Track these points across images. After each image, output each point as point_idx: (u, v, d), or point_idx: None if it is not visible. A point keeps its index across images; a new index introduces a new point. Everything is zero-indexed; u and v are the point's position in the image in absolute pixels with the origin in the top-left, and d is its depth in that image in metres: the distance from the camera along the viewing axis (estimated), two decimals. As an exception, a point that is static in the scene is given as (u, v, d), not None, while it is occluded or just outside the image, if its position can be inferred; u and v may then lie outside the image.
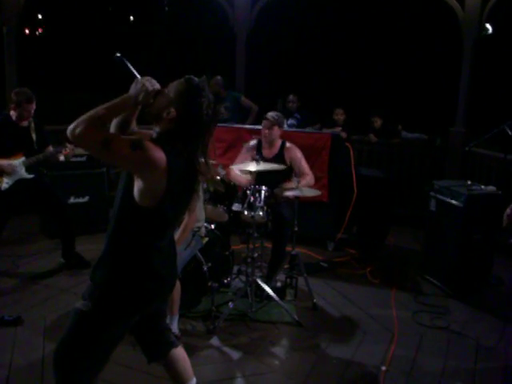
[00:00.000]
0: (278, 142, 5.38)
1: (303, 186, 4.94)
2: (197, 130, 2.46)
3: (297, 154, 5.34)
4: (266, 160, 5.05)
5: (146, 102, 2.45)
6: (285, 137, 5.49)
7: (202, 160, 2.52)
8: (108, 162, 2.38)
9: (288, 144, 5.40)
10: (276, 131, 5.29)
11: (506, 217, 4.13)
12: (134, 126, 2.67)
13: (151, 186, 2.34)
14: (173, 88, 2.48)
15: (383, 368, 3.99)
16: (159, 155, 2.31)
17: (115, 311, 2.47)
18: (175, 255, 2.78)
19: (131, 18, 34.96)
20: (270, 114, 5.30)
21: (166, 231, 2.58)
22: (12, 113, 5.21)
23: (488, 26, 7.54)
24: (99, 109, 2.32)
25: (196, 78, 2.49)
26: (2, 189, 5.14)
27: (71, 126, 2.24)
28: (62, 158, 5.41)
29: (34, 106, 5.22)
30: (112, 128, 2.60)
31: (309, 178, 5.27)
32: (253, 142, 5.52)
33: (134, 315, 2.56)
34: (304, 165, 5.35)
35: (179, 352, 2.95)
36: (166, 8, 28.40)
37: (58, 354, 2.53)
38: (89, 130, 2.24)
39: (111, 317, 2.48)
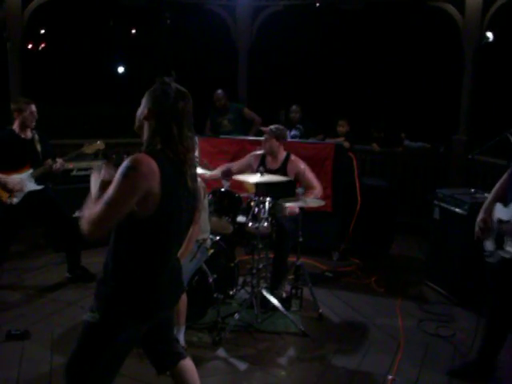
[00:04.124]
0: (282, 155, 5.39)
1: (310, 199, 4.96)
2: (170, 118, 2.45)
3: (300, 167, 5.33)
4: (269, 172, 5.07)
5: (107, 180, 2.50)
6: (288, 148, 5.51)
7: (183, 149, 2.49)
8: (126, 210, 2.37)
9: (292, 157, 5.40)
10: (274, 143, 5.31)
11: (479, 230, 4.04)
12: None
13: (150, 194, 2.34)
14: (144, 96, 2.55)
15: (390, 377, 4.00)
16: (148, 161, 2.34)
17: (122, 322, 2.49)
18: (180, 267, 2.79)
19: (133, 31, 35.14)
20: (269, 127, 5.34)
21: (168, 240, 2.56)
22: (15, 125, 5.27)
23: (489, 34, 7.58)
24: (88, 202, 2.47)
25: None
26: (14, 203, 5.18)
27: (83, 230, 2.37)
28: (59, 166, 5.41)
29: (34, 109, 5.26)
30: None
31: (316, 191, 5.22)
32: (259, 152, 5.54)
33: (141, 326, 2.58)
34: (309, 177, 5.32)
35: (187, 363, 2.97)
36: (168, 21, 28.56)
37: (69, 365, 2.55)
38: (89, 217, 2.34)
39: (119, 328, 2.49)
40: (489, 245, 3.96)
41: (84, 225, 2.35)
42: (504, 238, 3.79)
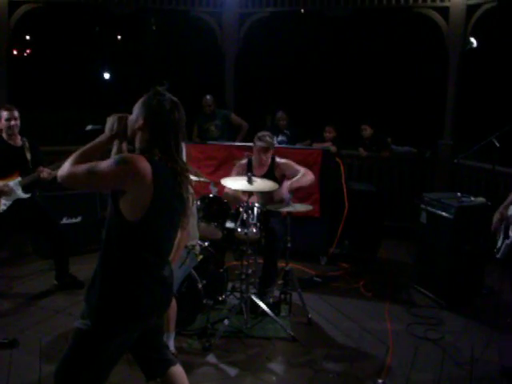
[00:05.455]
0: (269, 160, 5.42)
1: (305, 182, 5.04)
2: (166, 128, 2.51)
3: (285, 163, 5.41)
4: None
5: (121, 131, 2.59)
6: (275, 153, 5.53)
7: (180, 160, 2.56)
8: (99, 188, 2.49)
9: (277, 159, 5.44)
10: (270, 153, 5.36)
11: (495, 222, 4.20)
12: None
13: (138, 197, 2.39)
14: (137, 104, 2.59)
15: (379, 381, 4.01)
16: (144, 165, 2.39)
17: (113, 329, 2.50)
18: (171, 271, 2.79)
19: (119, 37, 35.05)
20: (266, 139, 5.29)
21: (157, 245, 2.59)
22: (3, 133, 5.24)
23: (472, 39, 7.67)
24: (80, 150, 2.55)
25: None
26: (1, 211, 5.16)
27: (59, 172, 2.47)
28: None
29: (15, 114, 5.22)
30: None
31: (303, 170, 5.31)
32: (244, 161, 5.55)
33: (132, 332, 2.58)
34: (295, 166, 5.39)
35: (177, 369, 2.97)
36: (154, 27, 28.52)
37: (59, 371, 2.56)
38: (74, 166, 2.45)
39: (110, 334, 2.50)
40: (499, 242, 4.10)
41: (63, 169, 2.48)
42: (510, 227, 3.93)
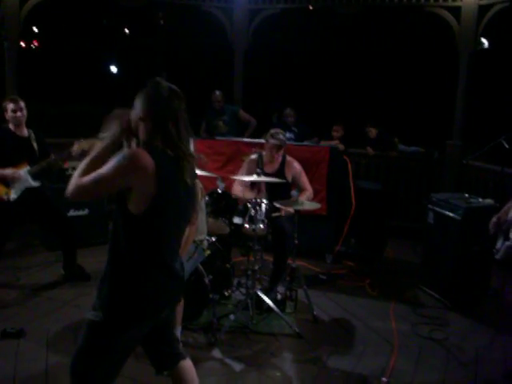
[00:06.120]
0: (280, 157, 5.43)
1: (306, 202, 5.02)
2: (166, 116, 2.49)
3: (297, 169, 5.45)
4: (267, 175, 5.10)
5: (125, 128, 2.56)
6: (284, 150, 5.54)
7: (183, 146, 2.53)
8: (110, 192, 2.45)
9: (288, 158, 5.47)
10: (282, 151, 5.40)
11: (492, 225, 4.20)
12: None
13: (142, 190, 2.39)
14: (137, 97, 2.58)
15: (384, 379, 4.02)
16: (144, 158, 2.39)
17: (124, 321, 2.51)
18: (182, 263, 2.78)
19: (126, 31, 35.03)
20: (280, 137, 5.32)
21: (165, 237, 2.57)
22: (10, 124, 5.28)
23: (484, 40, 7.65)
24: (85, 161, 2.51)
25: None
26: (11, 199, 5.19)
27: (68, 189, 2.44)
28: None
29: (21, 105, 5.25)
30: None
31: (308, 193, 5.38)
32: (253, 156, 5.56)
33: (143, 325, 2.59)
34: (304, 180, 5.46)
35: (187, 363, 2.97)
36: (161, 22, 28.51)
37: (74, 362, 2.58)
38: (80, 179, 2.44)
39: (121, 326, 2.51)
40: (499, 243, 4.09)
41: (71, 185, 2.44)
42: (511, 229, 3.92)
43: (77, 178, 2.44)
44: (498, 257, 4.13)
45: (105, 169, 2.40)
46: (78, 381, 2.59)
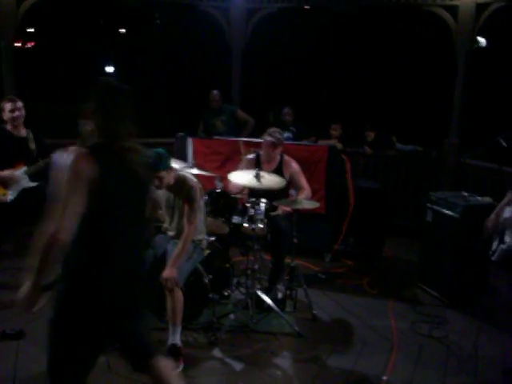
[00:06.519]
0: (277, 157, 5.43)
1: (305, 201, 5.01)
2: (112, 112, 2.54)
3: (295, 169, 5.43)
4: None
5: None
6: (282, 150, 5.54)
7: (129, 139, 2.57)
8: (87, 203, 2.41)
9: (286, 157, 5.46)
10: (279, 150, 5.37)
11: (491, 223, 4.19)
12: None
13: (88, 189, 2.39)
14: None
15: (384, 378, 4.04)
16: (84, 161, 2.40)
17: (71, 319, 2.52)
18: (143, 265, 2.78)
19: (123, 31, 35.01)
20: (276, 135, 5.32)
21: (114, 234, 2.55)
22: (8, 125, 5.27)
23: (481, 39, 7.66)
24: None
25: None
26: (8, 201, 5.18)
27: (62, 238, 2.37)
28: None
29: (18, 105, 5.24)
30: None
31: (306, 192, 5.36)
32: (252, 156, 5.56)
33: (97, 324, 2.55)
34: (302, 179, 5.44)
35: (162, 363, 2.88)
36: (158, 21, 28.50)
37: (47, 363, 2.61)
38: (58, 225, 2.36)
39: (67, 327, 2.53)
40: (494, 244, 4.08)
41: (62, 236, 2.36)
42: (506, 232, 3.91)
43: (58, 229, 2.36)
44: (494, 258, 4.14)
45: (64, 192, 2.39)
46: (49, 379, 2.62)
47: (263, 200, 4.89)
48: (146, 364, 2.84)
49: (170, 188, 4.32)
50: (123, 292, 2.60)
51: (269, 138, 5.29)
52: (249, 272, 4.88)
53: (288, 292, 5.20)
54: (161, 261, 4.35)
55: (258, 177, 4.75)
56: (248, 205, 4.86)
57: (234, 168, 5.74)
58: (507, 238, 3.94)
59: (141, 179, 2.60)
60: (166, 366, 2.94)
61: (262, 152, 5.43)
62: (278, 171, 5.33)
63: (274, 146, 5.30)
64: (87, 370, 2.66)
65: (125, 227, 2.59)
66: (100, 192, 2.41)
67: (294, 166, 5.46)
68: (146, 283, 2.80)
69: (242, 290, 5.21)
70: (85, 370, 2.65)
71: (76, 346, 2.55)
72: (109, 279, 2.54)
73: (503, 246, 3.95)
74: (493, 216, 4.20)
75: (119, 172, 2.51)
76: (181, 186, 4.31)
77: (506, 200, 4.19)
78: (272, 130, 5.37)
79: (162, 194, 4.44)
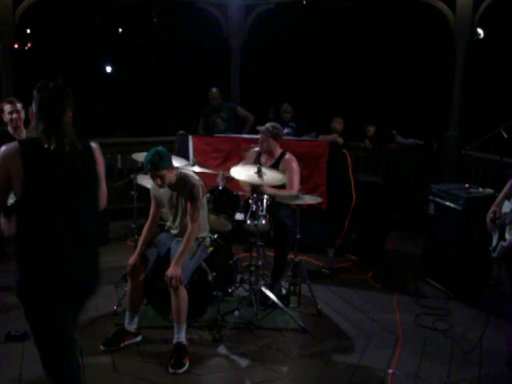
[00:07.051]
0: (278, 152, 5.40)
1: (278, 194, 5.00)
2: (46, 109, 2.76)
3: (292, 166, 5.30)
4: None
5: None
6: (282, 146, 5.52)
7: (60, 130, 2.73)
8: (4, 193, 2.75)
9: (288, 156, 5.39)
10: (271, 143, 5.31)
11: (489, 221, 4.15)
12: None
13: (15, 177, 2.62)
14: None
15: (390, 371, 4.04)
16: (9, 151, 2.62)
17: (24, 300, 2.76)
18: (92, 251, 2.93)
19: (120, 30, 34.93)
20: (265, 127, 5.32)
21: (46, 220, 2.69)
22: (9, 127, 5.27)
23: (479, 30, 7.65)
24: None
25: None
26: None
27: None
28: None
29: (17, 107, 5.24)
30: None
31: (291, 191, 5.13)
32: (256, 149, 5.54)
33: (47, 306, 2.75)
34: (294, 178, 5.23)
35: None
36: (155, 20, 28.44)
37: None
38: None
39: (29, 307, 2.78)
40: (494, 240, 4.06)
41: None
42: (506, 228, 3.88)
43: None
44: (495, 255, 4.11)
45: None
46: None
47: (266, 196, 4.88)
48: None
49: (172, 186, 4.33)
50: (55, 275, 2.74)
51: (261, 128, 5.29)
52: (252, 268, 4.89)
53: (292, 288, 5.21)
54: (165, 259, 4.36)
55: (259, 172, 4.72)
56: (250, 201, 4.86)
57: (236, 165, 5.72)
58: (507, 235, 3.89)
59: (70, 168, 2.71)
60: None
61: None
62: (275, 167, 5.26)
63: (262, 138, 5.26)
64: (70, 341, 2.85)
65: (54, 212, 2.71)
66: (24, 180, 2.60)
67: (293, 164, 5.33)
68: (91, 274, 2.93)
69: (246, 286, 5.22)
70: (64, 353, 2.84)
71: (48, 319, 2.78)
72: (43, 261, 2.72)
73: (504, 244, 3.90)
74: (493, 208, 4.17)
75: (44, 162, 2.66)
76: (183, 184, 4.31)
77: (505, 189, 4.17)
78: (269, 123, 5.36)
79: (164, 193, 4.44)
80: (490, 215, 4.14)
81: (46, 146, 2.65)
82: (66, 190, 2.72)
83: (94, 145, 2.90)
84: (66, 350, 2.83)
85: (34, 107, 2.82)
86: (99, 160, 2.90)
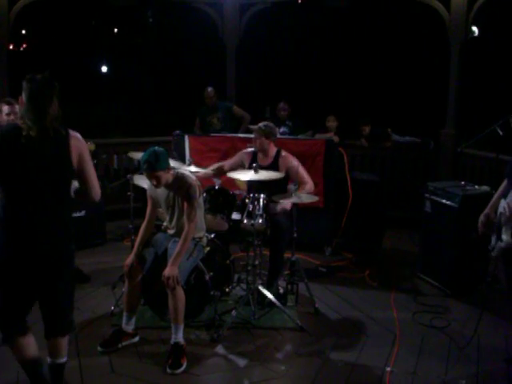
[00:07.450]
0: (273, 151, 5.40)
1: (301, 196, 4.98)
2: (26, 98, 3.03)
3: (293, 163, 5.34)
4: (261, 168, 5.08)
5: None
6: (279, 145, 5.53)
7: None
8: None
9: (283, 153, 5.42)
10: (264, 141, 5.31)
11: (480, 224, 4.15)
12: None
13: None
14: None
15: (388, 369, 4.05)
16: None
17: None
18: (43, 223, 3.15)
19: (115, 30, 34.89)
20: (258, 125, 5.34)
21: (14, 198, 3.03)
22: None
23: (474, 28, 7.66)
24: None
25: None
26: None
27: None
28: None
29: (15, 109, 5.20)
30: None
31: (308, 186, 5.28)
32: (250, 149, 5.55)
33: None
34: (302, 173, 5.33)
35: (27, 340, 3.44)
36: (150, 20, 28.44)
37: None
38: None
39: None
40: (493, 240, 4.05)
41: None
42: (502, 228, 3.87)
43: None
44: (493, 254, 4.11)
45: None
46: None
47: (262, 195, 4.89)
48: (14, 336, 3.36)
49: (168, 186, 4.32)
50: (10, 245, 3.07)
51: (254, 127, 5.31)
52: (249, 268, 4.89)
53: (289, 286, 5.21)
54: (162, 259, 4.36)
55: (256, 171, 4.74)
56: (247, 200, 4.86)
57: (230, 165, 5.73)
58: (504, 236, 3.88)
59: (46, 155, 3.00)
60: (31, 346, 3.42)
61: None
62: (274, 166, 5.28)
63: (259, 136, 5.27)
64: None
65: (21, 197, 3.04)
66: None
67: (293, 161, 5.37)
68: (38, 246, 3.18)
69: (243, 286, 5.22)
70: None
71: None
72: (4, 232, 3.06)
73: (501, 244, 3.90)
74: (486, 211, 4.15)
75: (15, 144, 2.94)
76: (179, 184, 4.31)
77: (500, 190, 4.17)
78: (261, 122, 5.36)
79: (161, 193, 4.44)
80: (482, 218, 4.13)
81: (24, 133, 2.93)
82: (38, 173, 3.00)
83: (72, 133, 3.15)
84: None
85: (23, 97, 3.06)
86: (77, 146, 3.14)
